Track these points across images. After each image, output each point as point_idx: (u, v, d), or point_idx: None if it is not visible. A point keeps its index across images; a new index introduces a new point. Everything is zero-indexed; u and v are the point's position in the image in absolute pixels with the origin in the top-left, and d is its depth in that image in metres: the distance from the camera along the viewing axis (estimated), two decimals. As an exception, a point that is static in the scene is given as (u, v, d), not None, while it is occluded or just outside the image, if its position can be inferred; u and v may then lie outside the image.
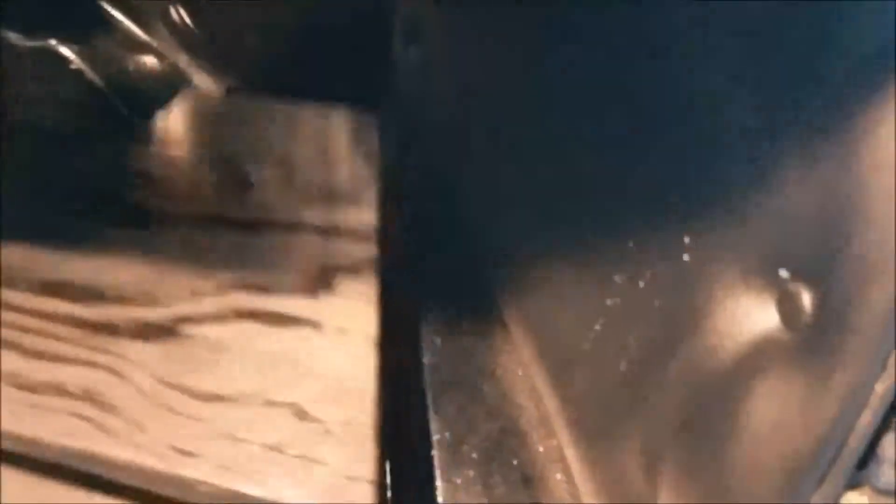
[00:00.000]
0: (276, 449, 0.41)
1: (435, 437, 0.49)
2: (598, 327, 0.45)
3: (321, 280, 0.52)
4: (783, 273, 0.33)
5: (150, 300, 0.49)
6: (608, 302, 0.44)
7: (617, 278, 0.43)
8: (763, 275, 0.34)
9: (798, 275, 0.33)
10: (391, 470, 0.46)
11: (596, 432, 0.45)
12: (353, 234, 0.57)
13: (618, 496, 0.43)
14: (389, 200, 0.61)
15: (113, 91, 0.68)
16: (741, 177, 0.35)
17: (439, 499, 0.46)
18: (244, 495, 0.40)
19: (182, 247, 0.54)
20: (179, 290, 0.50)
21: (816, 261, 0.32)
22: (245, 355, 0.46)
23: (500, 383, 0.54)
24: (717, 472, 0.36)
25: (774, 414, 0.33)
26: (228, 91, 0.72)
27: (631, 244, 0.42)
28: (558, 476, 0.47)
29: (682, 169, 0.39)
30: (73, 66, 0.68)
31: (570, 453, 0.48)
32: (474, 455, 0.49)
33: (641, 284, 0.41)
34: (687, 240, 0.38)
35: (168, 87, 0.71)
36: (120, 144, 0.64)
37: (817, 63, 0.32)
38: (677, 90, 0.39)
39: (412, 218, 0.61)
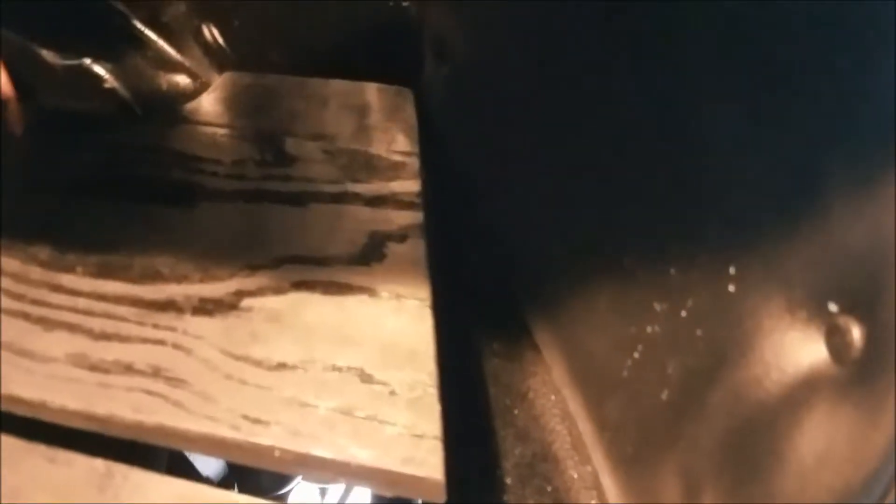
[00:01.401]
0: (345, 412, 0.43)
1: (467, 461, 0.49)
2: (636, 354, 0.44)
3: (371, 248, 0.53)
4: (832, 307, 0.33)
5: (208, 276, 0.50)
6: (648, 329, 0.44)
7: (657, 306, 0.43)
8: (811, 307, 0.34)
9: (847, 309, 0.32)
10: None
11: (634, 459, 0.45)
12: (398, 202, 0.58)
13: (656, 525, 0.43)
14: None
15: (145, 109, 0.69)
16: (789, 210, 0.35)
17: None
18: (317, 458, 0.41)
19: (232, 223, 0.56)
20: (235, 265, 0.51)
21: (866, 295, 0.32)
22: (306, 324, 0.47)
23: (532, 407, 0.54)
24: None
25: (821, 447, 0.33)
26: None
27: (673, 272, 0.42)
28: (594, 503, 0.47)
29: (728, 199, 0.38)
30: (106, 85, 0.69)
31: (607, 480, 0.47)
32: (508, 480, 0.49)
33: (683, 314, 0.41)
34: (732, 270, 0.38)
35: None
36: (158, 126, 0.65)
37: (866, 95, 0.32)
38: (722, 117, 0.40)
39: (441, 234, 0.61)
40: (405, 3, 0.71)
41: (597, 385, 0.49)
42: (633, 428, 0.45)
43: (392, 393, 0.44)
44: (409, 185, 0.60)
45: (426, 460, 0.41)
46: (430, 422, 0.42)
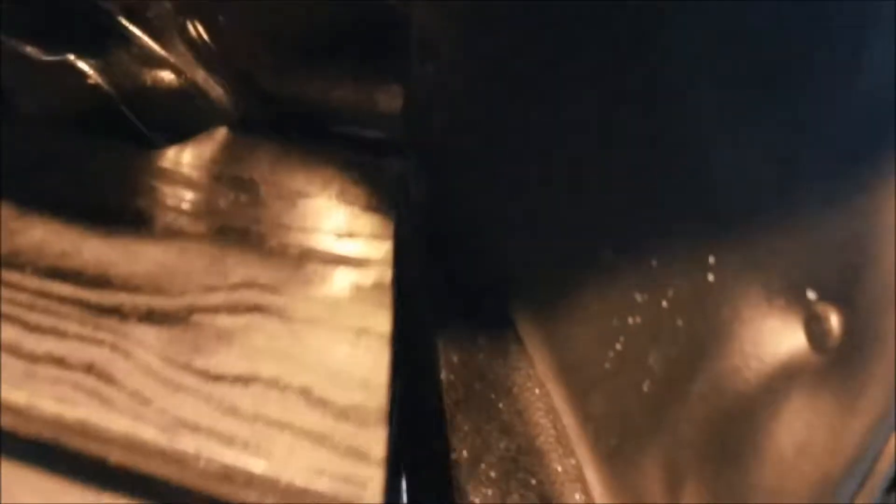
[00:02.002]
0: (284, 427, 0.41)
1: (452, 455, 0.49)
2: (619, 346, 0.44)
3: (335, 284, 0.53)
4: (811, 294, 0.33)
5: (160, 291, 0.50)
6: (629, 321, 0.43)
7: (638, 297, 0.43)
8: (789, 296, 0.34)
9: (826, 297, 0.32)
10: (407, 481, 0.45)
11: (617, 452, 0.45)
12: (368, 256, 0.58)
13: (639, 517, 0.42)
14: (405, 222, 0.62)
15: (130, 106, 0.69)
16: (768, 198, 0.35)
17: (457, 518, 0.46)
18: (244, 472, 0.39)
19: (195, 248, 0.55)
20: (191, 285, 0.50)
21: (844, 283, 0.32)
22: (255, 343, 0.47)
23: (516, 401, 0.54)
24: (740, 494, 0.36)
25: (801, 436, 0.33)
26: (246, 118, 0.72)
27: (654, 263, 0.42)
28: (577, 496, 0.47)
29: (707, 189, 0.38)
30: (90, 81, 0.68)
31: (590, 473, 0.47)
32: (492, 474, 0.49)
33: (664, 304, 0.41)
34: (712, 260, 0.37)
35: (185, 102, 0.72)
36: (134, 164, 0.64)
37: (842, 85, 0.32)
38: (702, 111, 0.40)
39: (425, 233, 0.61)
40: (391, 1, 0.71)
41: (580, 378, 0.49)
42: (615, 420, 0.45)
43: (338, 415, 0.43)
44: (382, 241, 0.59)
45: (365, 483, 0.39)
46: (375, 446, 0.41)
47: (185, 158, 0.66)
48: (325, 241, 0.58)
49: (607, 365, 0.45)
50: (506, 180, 0.61)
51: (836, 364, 0.32)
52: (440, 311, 0.54)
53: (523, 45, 0.57)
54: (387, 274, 0.55)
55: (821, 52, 0.33)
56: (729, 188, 0.37)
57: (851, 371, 0.31)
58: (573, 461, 0.49)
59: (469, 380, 0.55)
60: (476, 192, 0.65)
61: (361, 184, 0.66)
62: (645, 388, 0.42)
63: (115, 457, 0.41)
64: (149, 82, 0.72)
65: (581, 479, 0.48)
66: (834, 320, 0.32)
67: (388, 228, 0.61)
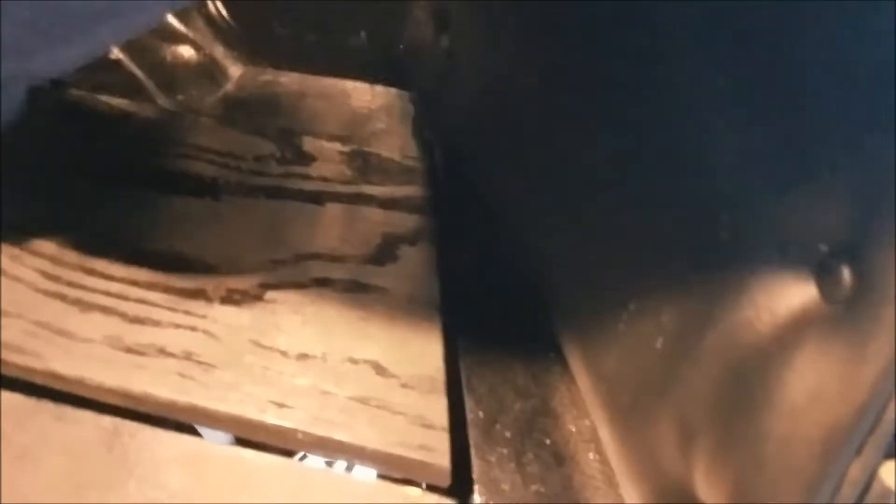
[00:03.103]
0: (361, 401, 0.46)
1: (469, 416, 0.50)
2: (632, 306, 0.45)
3: (385, 250, 0.57)
4: (822, 247, 0.34)
5: (234, 268, 0.53)
6: (643, 280, 0.44)
7: (651, 256, 0.44)
8: (802, 249, 0.35)
9: (837, 249, 0.33)
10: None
11: (630, 410, 0.46)
12: (410, 206, 0.62)
13: (652, 473, 0.43)
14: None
15: (151, 81, 0.70)
16: (779, 154, 0.36)
17: (473, 475, 0.47)
18: (336, 441, 0.44)
19: (255, 217, 0.58)
20: (259, 259, 0.54)
21: (856, 235, 0.32)
22: (326, 318, 0.51)
23: (531, 364, 0.55)
24: (753, 444, 0.37)
25: (812, 385, 0.34)
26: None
27: (666, 222, 0.42)
28: (591, 455, 0.48)
29: (720, 148, 0.39)
30: (112, 56, 0.70)
31: (604, 433, 0.48)
32: (507, 434, 0.50)
33: (677, 262, 0.42)
34: (724, 217, 0.38)
35: (204, 77, 0.73)
36: (182, 122, 0.66)
37: (857, 45, 0.33)
38: (712, 73, 0.40)
39: (444, 209, 0.62)
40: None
41: (595, 340, 0.50)
42: (629, 379, 0.46)
43: (404, 385, 0.48)
44: (419, 190, 0.64)
45: (435, 448, 0.45)
46: (438, 414, 0.46)
47: (226, 113, 0.68)
48: (371, 199, 0.62)
49: (621, 325, 0.46)
50: (516, 157, 0.62)
51: (847, 314, 0.32)
52: (455, 275, 0.55)
53: (538, 22, 0.58)
54: (430, 228, 0.60)
55: (833, 9, 0.34)
56: (741, 146, 0.38)
57: (861, 321, 0.32)
58: (587, 422, 0.50)
59: (484, 343, 0.56)
60: (477, 161, 0.66)
61: (397, 127, 0.69)
62: (658, 345, 0.43)
63: (223, 429, 0.46)
64: (169, 58, 0.73)
65: (595, 439, 0.49)
66: (845, 272, 0.32)
67: (424, 174, 0.66)
